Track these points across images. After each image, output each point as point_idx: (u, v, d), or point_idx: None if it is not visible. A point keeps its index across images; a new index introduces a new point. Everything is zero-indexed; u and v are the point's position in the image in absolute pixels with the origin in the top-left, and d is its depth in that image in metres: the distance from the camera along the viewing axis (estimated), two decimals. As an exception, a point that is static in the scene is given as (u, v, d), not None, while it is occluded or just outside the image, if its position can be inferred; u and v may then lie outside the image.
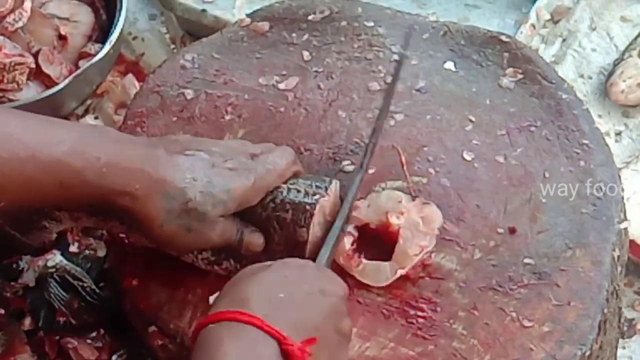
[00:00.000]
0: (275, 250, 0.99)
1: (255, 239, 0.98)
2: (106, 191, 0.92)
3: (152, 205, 0.93)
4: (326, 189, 1.00)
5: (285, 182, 1.00)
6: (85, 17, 1.43)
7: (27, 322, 1.14)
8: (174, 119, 1.16)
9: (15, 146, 0.91)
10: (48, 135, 0.93)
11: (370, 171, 1.09)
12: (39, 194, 0.93)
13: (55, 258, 1.15)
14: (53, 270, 1.14)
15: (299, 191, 0.99)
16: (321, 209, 0.99)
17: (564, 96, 1.14)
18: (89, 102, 1.46)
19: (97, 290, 1.14)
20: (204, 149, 0.98)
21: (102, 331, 1.14)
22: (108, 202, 0.93)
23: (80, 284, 1.14)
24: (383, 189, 1.08)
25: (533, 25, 1.45)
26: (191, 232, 0.95)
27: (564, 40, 1.50)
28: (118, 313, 1.09)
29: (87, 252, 1.18)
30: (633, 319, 1.29)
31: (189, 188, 0.94)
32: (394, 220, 1.02)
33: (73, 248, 1.17)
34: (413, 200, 1.05)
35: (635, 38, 1.45)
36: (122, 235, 1.05)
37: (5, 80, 1.33)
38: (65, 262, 1.15)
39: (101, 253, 1.18)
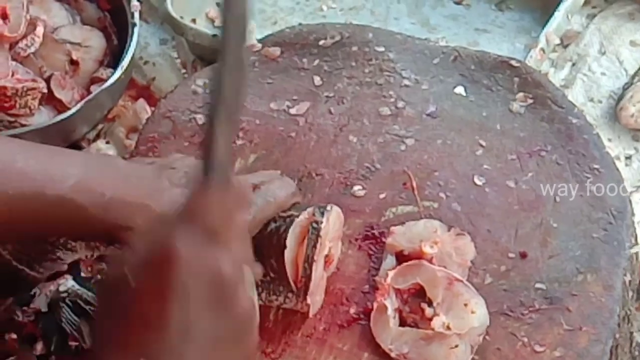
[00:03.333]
0: (273, 278, 0.99)
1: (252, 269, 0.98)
2: (109, 226, 0.93)
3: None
4: (323, 214, 0.99)
5: (284, 211, 1.00)
6: (97, 42, 1.44)
7: (39, 347, 1.14)
8: (186, 144, 1.16)
9: (21, 183, 0.91)
10: (53, 170, 0.93)
11: (381, 196, 1.10)
12: (45, 229, 0.93)
13: (67, 283, 1.15)
14: (65, 295, 1.14)
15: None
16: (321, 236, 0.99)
17: (574, 121, 1.14)
18: (100, 126, 1.46)
19: (109, 315, 1.14)
20: None
21: (113, 356, 1.13)
22: (111, 236, 0.94)
23: (92, 308, 1.14)
24: (394, 213, 1.08)
25: (543, 50, 1.45)
26: None
27: (573, 64, 1.50)
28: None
29: (99, 276, 1.18)
30: (645, 344, 1.29)
31: None
32: (427, 249, 1.02)
33: (85, 273, 1.18)
34: (448, 230, 1.05)
35: (645, 62, 1.45)
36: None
37: (18, 106, 1.34)
38: (77, 286, 1.15)
39: (113, 278, 1.18)
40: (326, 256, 1.01)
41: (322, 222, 0.98)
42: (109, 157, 0.97)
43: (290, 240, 0.98)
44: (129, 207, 0.93)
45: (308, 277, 0.97)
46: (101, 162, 0.99)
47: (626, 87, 1.43)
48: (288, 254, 0.98)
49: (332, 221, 1.01)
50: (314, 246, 0.97)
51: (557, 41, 1.49)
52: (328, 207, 1.00)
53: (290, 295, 0.99)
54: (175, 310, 0.72)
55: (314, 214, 0.99)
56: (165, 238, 0.74)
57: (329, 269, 1.03)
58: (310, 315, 1.00)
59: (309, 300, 0.98)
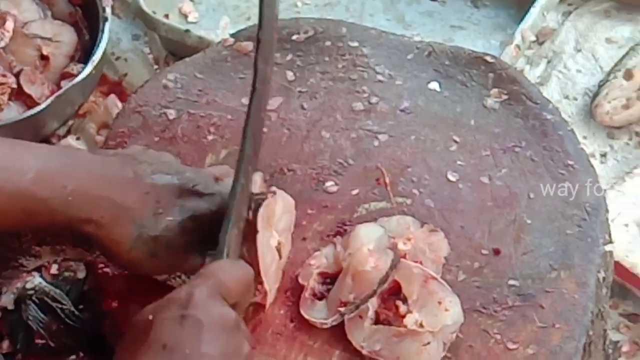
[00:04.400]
0: None
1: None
2: (72, 219, 0.92)
3: (119, 233, 0.93)
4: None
5: None
6: (68, 38, 1.42)
7: (5, 345, 1.13)
8: (156, 139, 1.15)
9: None
10: (14, 162, 0.91)
11: (354, 192, 1.08)
12: (5, 222, 0.91)
13: (35, 280, 1.13)
14: (32, 292, 1.13)
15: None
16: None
17: (548, 117, 1.14)
18: (70, 122, 1.45)
19: (77, 313, 1.12)
20: (174, 173, 0.97)
21: (81, 354, 1.12)
22: (73, 229, 0.93)
23: (60, 306, 1.12)
24: (367, 210, 1.07)
25: (518, 47, 1.45)
26: (157, 258, 0.95)
27: (549, 61, 1.50)
28: (98, 336, 1.07)
29: (66, 274, 1.16)
30: (618, 342, 1.28)
31: (158, 215, 0.94)
32: (400, 246, 1.01)
33: (52, 270, 1.16)
34: (421, 226, 1.04)
35: (620, 59, 1.44)
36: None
37: (-14, 101, 1.33)
38: (44, 284, 1.13)
39: (81, 275, 1.16)
40: (277, 248, 1.00)
41: (261, 204, 0.96)
42: (72, 149, 0.95)
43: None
44: (91, 200, 0.92)
45: (255, 262, 0.95)
46: (63, 154, 0.96)
47: (601, 85, 1.43)
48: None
49: (280, 206, 0.99)
50: (254, 224, 0.95)
51: (533, 38, 1.48)
52: (273, 189, 0.99)
53: None
54: None
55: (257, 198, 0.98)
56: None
57: (281, 262, 1.02)
58: (268, 304, 0.99)
59: (263, 277, 0.97)
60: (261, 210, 0.96)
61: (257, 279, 0.96)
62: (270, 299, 1.00)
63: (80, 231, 0.93)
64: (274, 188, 1.00)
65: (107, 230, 0.92)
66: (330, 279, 1.01)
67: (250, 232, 0.95)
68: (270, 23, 0.97)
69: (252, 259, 0.96)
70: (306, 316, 1.00)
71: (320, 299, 1.01)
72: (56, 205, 0.91)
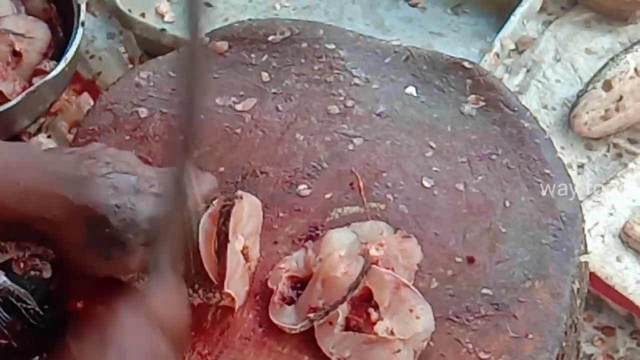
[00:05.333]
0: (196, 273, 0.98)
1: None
2: (25, 217, 0.89)
3: (72, 232, 0.91)
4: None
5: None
6: (41, 34, 1.40)
7: (-33, 344, 1.10)
8: (127, 137, 1.13)
9: None
10: None
11: (327, 196, 1.07)
12: None
13: (-1, 279, 1.11)
14: (-4, 291, 1.10)
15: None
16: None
17: (526, 124, 1.12)
18: (42, 120, 1.43)
19: (42, 313, 1.10)
20: (131, 172, 0.94)
21: (44, 355, 1.10)
22: (26, 226, 0.90)
23: (24, 305, 1.10)
24: (340, 214, 1.06)
25: (497, 55, 1.44)
26: (110, 259, 0.92)
27: (528, 70, 1.49)
28: (62, 337, 1.05)
29: (32, 272, 1.14)
30: (592, 355, 1.27)
31: (112, 216, 0.91)
32: (373, 251, 0.99)
33: (17, 268, 1.13)
34: (395, 232, 1.02)
35: (600, 70, 1.44)
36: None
37: (-44, 96, 1.30)
38: (8, 282, 1.10)
39: (47, 274, 1.13)
40: (243, 252, 0.99)
41: (230, 207, 0.96)
42: (26, 146, 0.94)
43: (201, 234, 0.96)
44: (44, 198, 0.89)
45: (223, 266, 0.94)
46: (16, 151, 0.94)
47: (580, 95, 1.42)
48: (202, 248, 0.96)
49: (246, 210, 0.98)
50: (225, 233, 0.95)
51: (512, 46, 1.47)
52: (239, 193, 0.98)
53: (213, 289, 0.97)
54: None
55: (223, 202, 0.97)
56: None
57: (249, 265, 1.01)
58: (236, 308, 0.98)
59: (226, 288, 0.96)
60: (231, 220, 0.95)
61: (222, 284, 0.96)
62: (239, 302, 0.98)
63: (34, 229, 0.90)
64: (239, 192, 0.98)
65: (60, 229, 0.90)
66: (300, 283, 1.00)
67: (219, 241, 0.95)
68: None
69: (220, 265, 0.95)
70: (275, 321, 0.98)
71: (289, 303, 0.99)
72: (8, 202, 0.88)
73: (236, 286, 0.97)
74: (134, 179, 0.94)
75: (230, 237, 0.96)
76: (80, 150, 0.97)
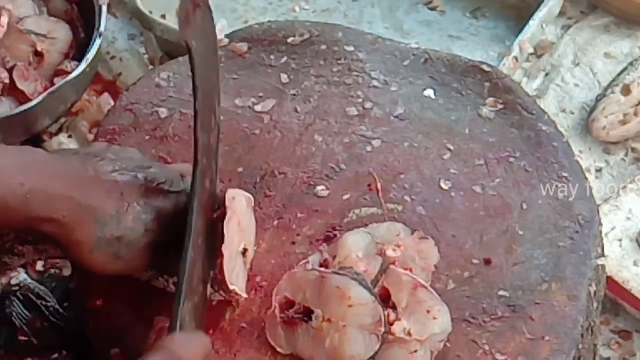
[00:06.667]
0: None
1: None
2: (31, 218, 0.89)
3: (81, 233, 0.91)
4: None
5: None
6: (63, 35, 1.42)
7: (-13, 341, 1.12)
8: (147, 137, 1.14)
9: None
10: None
11: (345, 197, 1.07)
12: None
13: (20, 276, 1.13)
14: (17, 288, 1.12)
15: None
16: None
17: (544, 128, 1.13)
18: (63, 120, 1.44)
19: (61, 311, 1.12)
20: (138, 170, 0.95)
21: (64, 353, 1.11)
22: (34, 228, 0.90)
23: (44, 303, 1.11)
24: (357, 215, 1.06)
25: (516, 59, 1.44)
26: (120, 258, 0.93)
27: (547, 74, 1.49)
28: (81, 334, 1.06)
29: (52, 271, 1.15)
30: (609, 358, 1.27)
31: (121, 215, 0.92)
32: (390, 252, 0.99)
33: (38, 266, 1.15)
34: (412, 234, 1.02)
35: (619, 74, 1.44)
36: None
37: (-22, 95, 1.32)
38: (29, 280, 1.12)
39: (67, 272, 1.15)
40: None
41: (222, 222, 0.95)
42: (30, 149, 0.93)
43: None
44: (51, 199, 0.89)
45: (220, 266, 0.95)
46: (20, 152, 0.94)
47: (599, 99, 1.42)
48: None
49: (240, 208, 0.98)
50: (222, 232, 0.95)
51: (531, 50, 1.47)
52: (229, 195, 0.97)
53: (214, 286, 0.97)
54: None
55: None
56: None
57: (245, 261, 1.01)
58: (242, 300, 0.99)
59: (230, 286, 0.96)
60: (226, 232, 0.95)
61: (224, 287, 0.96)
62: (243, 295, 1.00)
63: (41, 231, 0.90)
64: (231, 193, 0.98)
65: (68, 230, 0.90)
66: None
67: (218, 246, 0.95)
68: (207, 93, 0.94)
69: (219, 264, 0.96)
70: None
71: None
72: (14, 203, 0.87)
73: (238, 282, 0.98)
74: (141, 176, 0.94)
75: (226, 237, 0.95)
76: (84, 150, 0.97)
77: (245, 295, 0.99)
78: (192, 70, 0.91)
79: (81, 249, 0.92)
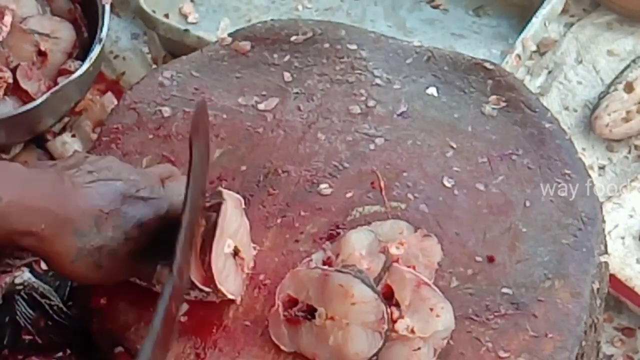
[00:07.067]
0: None
1: (165, 272, 0.95)
2: (10, 232, 0.88)
3: (61, 244, 0.91)
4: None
5: None
6: (66, 34, 1.42)
7: (-9, 339, 1.12)
8: (150, 136, 1.14)
9: None
10: None
11: (348, 195, 1.07)
12: None
13: (24, 275, 1.12)
14: (20, 287, 1.12)
15: None
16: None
17: (547, 125, 1.13)
18: (66, 119, 1.44)
19: (65, 309, 1.12)
20: (117, 177, 0.95)
21: (68, 351, 1.11)
22: (14, 242, 0.90)
23: (48, 302, 1.11)
24: (360, 213, 1.06)
25: (519, 56, 1.44)
26: (102, 268, 0.93)
27: (549, 72, 1.49)
28: (85, 333, 1.06)
29: (56, 269, 1.15)
30: (612, 355, 1.27)
31: (100, 224, 0.92)
32: (393, 250, 1.00)
33: (42, 265, 1.15)
34: (415, 231, 1.03)
35: (622, 72, 1.44)
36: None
37: (-19, 95, 1.32)
38: (33, 279, 1.12)
39: (70, 271, 1.15)
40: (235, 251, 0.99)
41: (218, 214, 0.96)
42: (6, 163, 0.93)
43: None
44: (29, 212, 0.88)
45: (208, 267, 0.95)
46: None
47: (602, 97, 1.42)
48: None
49: (230, 210, 0.98)
50: (212, 237, 0.95)
51: (534, 48, 1.47)
52: (223, 195, 0.97)
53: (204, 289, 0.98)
54: None
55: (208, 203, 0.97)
56: None
57: (243, 268, 1.01)
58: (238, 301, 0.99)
59: (220, 287, 0.96)
60: (219, 220, 0.95)
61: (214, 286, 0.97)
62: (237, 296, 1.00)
63: (21, 244, 0.90)
64: (224, 193, 0.98)
65: (48, 243, 0.90)
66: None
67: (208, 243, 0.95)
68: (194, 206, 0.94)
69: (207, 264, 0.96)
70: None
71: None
72: None
73: (228, 283, 0.98)
74: (120, 184, 0.94)
75: (216, 237, 0.95)
76: (61, 163, 0.97)
77: (234, 297, 1.00)
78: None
79: (62, 260, 0.92)
